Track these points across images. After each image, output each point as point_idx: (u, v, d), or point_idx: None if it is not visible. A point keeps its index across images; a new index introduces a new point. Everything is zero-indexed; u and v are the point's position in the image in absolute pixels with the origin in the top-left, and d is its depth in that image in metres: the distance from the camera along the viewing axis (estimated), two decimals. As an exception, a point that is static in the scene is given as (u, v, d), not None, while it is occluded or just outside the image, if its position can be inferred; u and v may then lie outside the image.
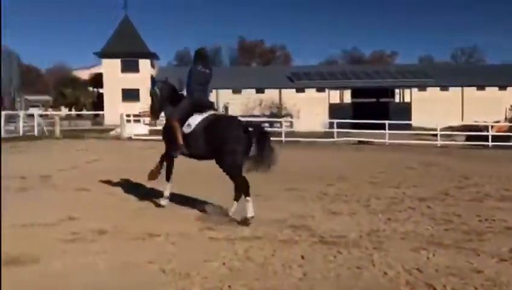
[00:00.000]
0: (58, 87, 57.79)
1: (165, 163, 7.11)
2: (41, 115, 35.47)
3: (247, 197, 6.11)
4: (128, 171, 11.32)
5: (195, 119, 6.54)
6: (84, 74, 62.26)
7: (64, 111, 53.60)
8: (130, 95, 52.76)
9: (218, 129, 6.31)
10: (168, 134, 6.88)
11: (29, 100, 73.08)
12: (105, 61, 54.29)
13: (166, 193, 6.97)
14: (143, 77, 53.48)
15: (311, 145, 24.59)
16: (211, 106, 6.91)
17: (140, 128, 30.89)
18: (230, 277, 4.07)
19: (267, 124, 36.62)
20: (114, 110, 44.62)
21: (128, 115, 29.52)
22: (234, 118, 7.02)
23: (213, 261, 4.47)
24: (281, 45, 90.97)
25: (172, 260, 4.46)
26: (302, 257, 4.66)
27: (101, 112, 48.85)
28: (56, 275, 4.04)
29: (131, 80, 52.59)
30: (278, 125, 34.78)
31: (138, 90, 53.58)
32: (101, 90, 57.26)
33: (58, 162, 13.66)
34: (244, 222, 5.96)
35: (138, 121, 34.25)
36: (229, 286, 3.88)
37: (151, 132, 31.24)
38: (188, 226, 5.81)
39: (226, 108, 48.20)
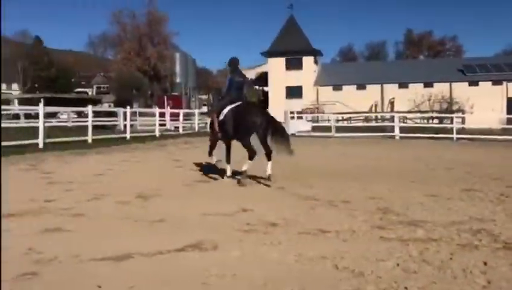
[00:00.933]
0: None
1: (223, 145, 9.44)
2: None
3: (249, 161, 8.66)
4: (297, 168, 11.61)
5: (226, 109, 8.82)
6: (250, 73, 65.22)
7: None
8: (294, 92, 53.95)
9: (240, 115, 8.59)
10: (211, 125, 9.36)
11: (203, 99, 78.96)
12: (270, 60, 56.20)
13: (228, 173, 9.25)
14: (306, 74, 54.33)
15: (486, 143, 22.67)
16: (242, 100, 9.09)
17: (304, 125, 31.44)
18: (406, 278, 3.94)
19: (436, 121, 34.69)
20: (278, 107, 45.97)
21: (291, 112, 30.18)
22: (255, 106, 9.60)
23: (386, 261, 4.37)
24: (451, 36, 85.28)
25: (345, 257, 4.46)
26: (485, 263, 4.32)
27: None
28: (234, 263, 4.30)
29: (294, 78, 53.72)
30: (448, 121, 32.67)
31: (301, 87, 54.57)
32: (266, 88, 59.54)
33: (232, 156, 14.56)
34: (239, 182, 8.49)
35: (301, 118, 34.90)
36: (405, 288, 3.75)
37: (314, 129, 31.71)
38: (358, 224, 5.76)
39: (392, 103, 46.77)
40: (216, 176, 10.07)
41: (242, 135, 8.63)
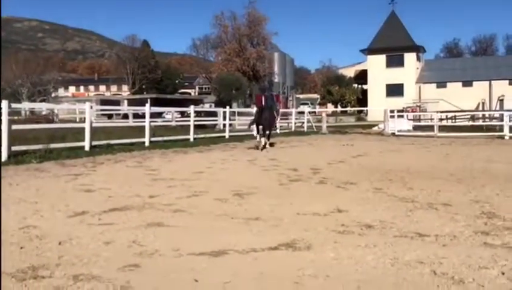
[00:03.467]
0: (325, 85, 60.89)
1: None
2: (310, 112, 38.13)
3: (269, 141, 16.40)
4: (393, 169, 11.32)
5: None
6: (349, 72, 64.22)
7: (330, 108, 56.33)
8: (394, 90, 52.40)
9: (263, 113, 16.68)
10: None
11: (300, 99, 79.07)
12: (370, 57, 55.05)
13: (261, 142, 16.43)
14: (408, 71, 52.53)
15: None
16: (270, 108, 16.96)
17: (404, 124, 30.39)
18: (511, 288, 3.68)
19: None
20: (377, 105, 44.90)
21: (391, 111, 29.28)
22: (269, 110, 17.20)
23: (490, 268, 4.11)
24: None
25: (444, 262, 4.26)
26: None
27: (364, 108, 49.81)
28: (328, 264, 4.26)
29: (395, 75, 52.21)
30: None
31: (402, 85, 52.87)
32: (365, 87, 58.34)
33: (327, 156, 14.54)
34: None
35: (402, 116, 33.75)
36: (511, 299, 3.51)
37: (415, 128, 30.56)
38: (459, 229, 5.47)
39: (501, 101, 43.87)
40: (311, 175, 10.07)
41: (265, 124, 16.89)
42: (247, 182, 8.98)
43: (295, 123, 32.11)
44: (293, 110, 34.39)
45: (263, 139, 17.05)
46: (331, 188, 8.43)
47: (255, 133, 18.41)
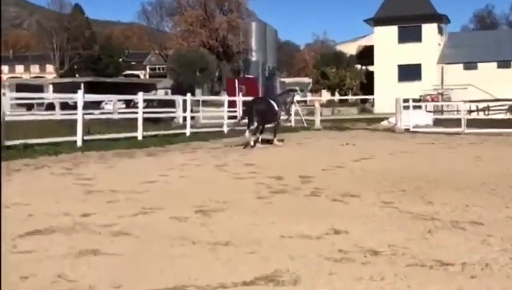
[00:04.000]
0: (319, 66, 61.25)
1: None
2: (299, 102, 38.28)
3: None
4: (407, 177, 11.45)
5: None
6: (350, 48, 64.76)
7: (325, 96, 56.76)
8: (409, 73, 52.95)
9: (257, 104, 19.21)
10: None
11: (286, 83, 79.28)
12: (377, 30, 55.55)
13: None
14: (427, 47, 53.12)
15: None
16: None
17: (422, 118, 30.74)
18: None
19: None
20: (387, 93, 45.29)
21: (405, 100, 29.56)
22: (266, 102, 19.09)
23: (532, 307, 4.18)
24: None
25: (473, 300, 4.32)
26: None
27: (370, 97, 50.28)
28: (321, 302, 4.27)
29: (410, 53, 52.67)
30: None
31: (419, 66, 53.51)
32: (370, 68, 58.87)
33: (320, 159, 14.61)
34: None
35: (419, 107, 34.17)
36: None
37: (436, 122, 30.97)
38: (493, 255, 5.54)
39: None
40: (299, 185, 10.10)
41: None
42: (215, 194, 8.96)
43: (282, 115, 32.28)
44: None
45: (253, 138, 18.48)
46: (325, 202, 8.46)
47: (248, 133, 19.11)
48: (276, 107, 19.30)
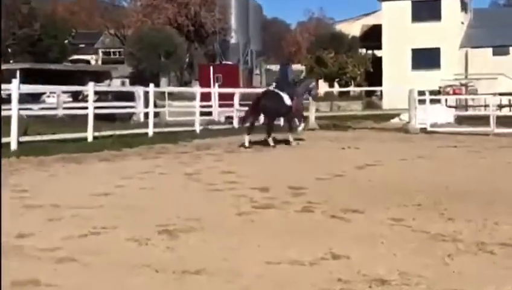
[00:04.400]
0: (314, 50, 61.29)
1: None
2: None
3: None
4: (422, 189, 11.51)
5: None
6: (353, 28, 64.97)
7: (322, 87, 56.78)
8: (425, 58, 53.11)
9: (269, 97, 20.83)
10: None
11: (273, 71, 79.37)
12: (386, 5, 55.72)
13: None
14: (448, 27, 53.30)
15: None
16: None
17: (442, 114, 30.83)
18: None
19: None
20: (398, 84, 45.42)
21: (421, 93, 29.68)
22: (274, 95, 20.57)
23: None
24: None
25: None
26: None
27: (377, 88, 50.39)
28: None
29: (427, 34, 52.73)
30: None
31: (438, 50, 53.67)
32: (378, 53, 59.08)
33: (315, 166, 14.62)
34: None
35: (438, 101, 34.30)
36: None
37: (460, 120, 31.11)
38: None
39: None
40: (290, 198, 10.11)
41: None
42: (184, 210, 8.95)
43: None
44: (261, 91, 34.55)
45: (247, 138, 19.88)
46: (321, 220, 8.47)
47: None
48: (287, 100, 20.34)
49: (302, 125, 22.64)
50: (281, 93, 20.37)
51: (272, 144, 19.95)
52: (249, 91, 36.78)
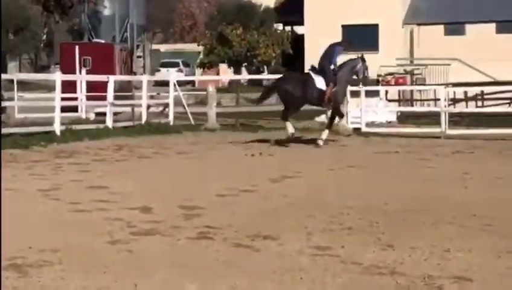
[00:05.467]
0: (215, 25, 61.25)
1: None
2: (181, 84, 38.21)
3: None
4: (354, 206, 11.69)
5: None
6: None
7: (226, 73, 56.82)
8: (360, 37, 53.63)
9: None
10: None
11: (161, 53, 79.29)
12: (308, -32, 55.93)
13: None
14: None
15: None
16: None
17: (381, 111, 31.30)
18: None
19: None
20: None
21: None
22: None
23: None
24: None
25: None
26: None
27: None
28: None
29: (362, 6, 53.29)
30: None
31: (376, 27, 54.40)
32: (299, 30, 59.46)
33: (216, 179, 14.65)
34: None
35: (376, 94, 34.77)
36: None
37: (402, 118, 31.61)
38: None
39: None
40: (180, 221, 10.09)
41: None
42: (38, 238, 8.85)
43: (149, 107, 32.07)
44: (145, 79, 34.31)
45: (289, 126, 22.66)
46: (222, 250, 8.48)
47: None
48: (319, 84, 22.14)
49: (342, 121, 24.37)
50: (313, 75, 22.17)
51: (290, 131, 22.57)
52: (128, 79, 36.61)
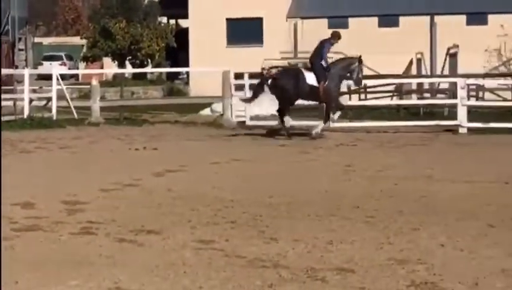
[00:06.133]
0: (98, 18, 60.65)
1: None
2: (63, 78, 37.73)
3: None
4: (240, 199, 11.72)
5: None
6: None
7: (109, 67, 56.35)
8: (244, 31, 53.74)
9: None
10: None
11: (44, 46, 78.16)
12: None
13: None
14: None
15: None
16: None
17: (266, 104, 31.33)
18: None
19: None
20: (210, 64, 45.57)
21: (238, 76, 30.06)
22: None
23: None
24: None
25: None
26: None
27: (182, 70, 50.48)
28: None
29: (246, 1, 53.22)
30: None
31: (260, 20, 54.52)
32: (184, 24, 59.28)
33: (99, 173, 14.54)
34: None
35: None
36: None
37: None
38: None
39: (453, 56, 47.56)
40: (63, 217, 9.98)
41: None
42: None
43: (31, 101, 31.56)
44: (27, 73, 33.75)
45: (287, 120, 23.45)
46: (105, 245, 8.44)
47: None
48: (310, 80, 22.92)
49: (337, 114, 24.29)
50: (305, 71, 23.25)
51: (285, 129, 23.37)
52: (10, 72, 35.97)
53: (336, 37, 24.99)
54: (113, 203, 11.17)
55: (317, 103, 25.16)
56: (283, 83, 23.33)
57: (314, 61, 23.89)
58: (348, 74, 24.34)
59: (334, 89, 23.75)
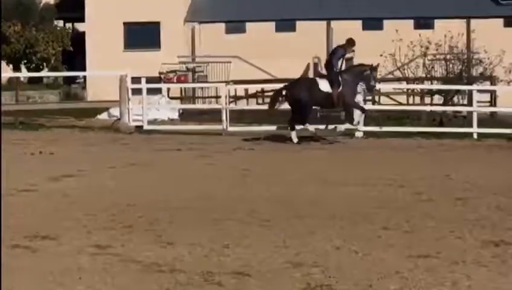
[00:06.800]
0: (-6, 21, 59.73)
1: None
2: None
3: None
4: (136, 204, 11.71)
5: None
6: (47, -7, 63.98)
7: (5, 71, 55.49)
8: (142, 35, 53.62)
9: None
10: None
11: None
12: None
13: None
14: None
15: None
16: None
17: (163, 109, 31.32)
18: None
19: (438, 98, 36.07)
20: (106, 68, 45.29)
21: (135, 80, 29.93)
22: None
23: None
24: None
25: None
26: None
27: (79, 73, 50.00)
28: None
29: (143, 5, 53.13)
30: (459, 98, 34.12)
31: (158, 25, 54.37)
32: (80, 27, 58.76)
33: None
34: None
35: (158, 92, 34.75)
36: None
37: (184, 116, 31.71)
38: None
39: (348, 61, 48.15)
40: None
41: None
42: None
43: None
44: None
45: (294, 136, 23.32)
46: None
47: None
48: (324, 88, 23.06)
49: (362, 117, 24.82)
50: (318, 79, 23.72)
51: (295, 140, 22.93)
52: None
53: (350, 44, 25.07)
54: (7, 209, 10.97)
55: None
56: (297, 93, 23.45)
57: (328, 68, 24.30)
58: (362, 82, 24.51)
59: (349, 93, 23.95)
